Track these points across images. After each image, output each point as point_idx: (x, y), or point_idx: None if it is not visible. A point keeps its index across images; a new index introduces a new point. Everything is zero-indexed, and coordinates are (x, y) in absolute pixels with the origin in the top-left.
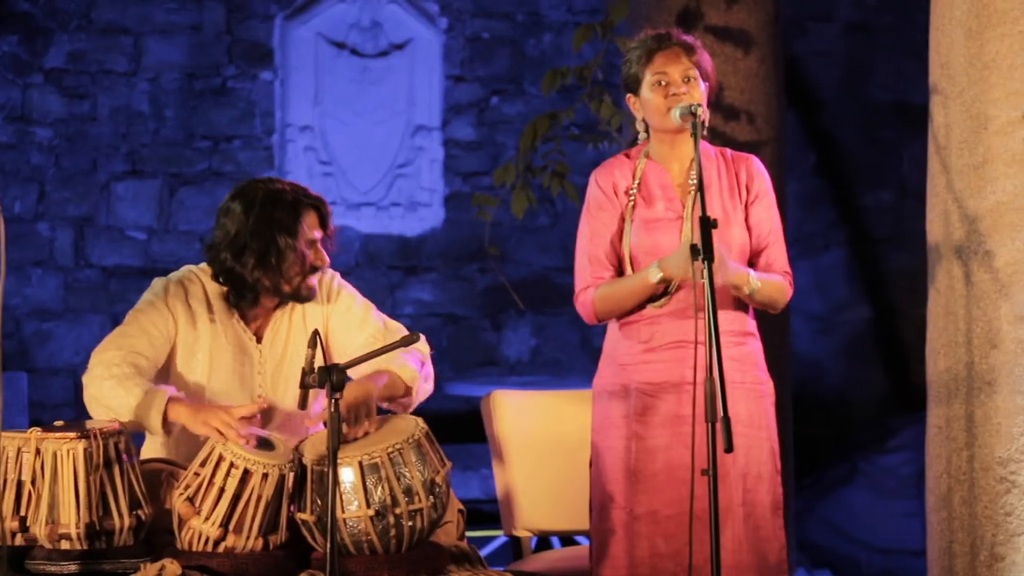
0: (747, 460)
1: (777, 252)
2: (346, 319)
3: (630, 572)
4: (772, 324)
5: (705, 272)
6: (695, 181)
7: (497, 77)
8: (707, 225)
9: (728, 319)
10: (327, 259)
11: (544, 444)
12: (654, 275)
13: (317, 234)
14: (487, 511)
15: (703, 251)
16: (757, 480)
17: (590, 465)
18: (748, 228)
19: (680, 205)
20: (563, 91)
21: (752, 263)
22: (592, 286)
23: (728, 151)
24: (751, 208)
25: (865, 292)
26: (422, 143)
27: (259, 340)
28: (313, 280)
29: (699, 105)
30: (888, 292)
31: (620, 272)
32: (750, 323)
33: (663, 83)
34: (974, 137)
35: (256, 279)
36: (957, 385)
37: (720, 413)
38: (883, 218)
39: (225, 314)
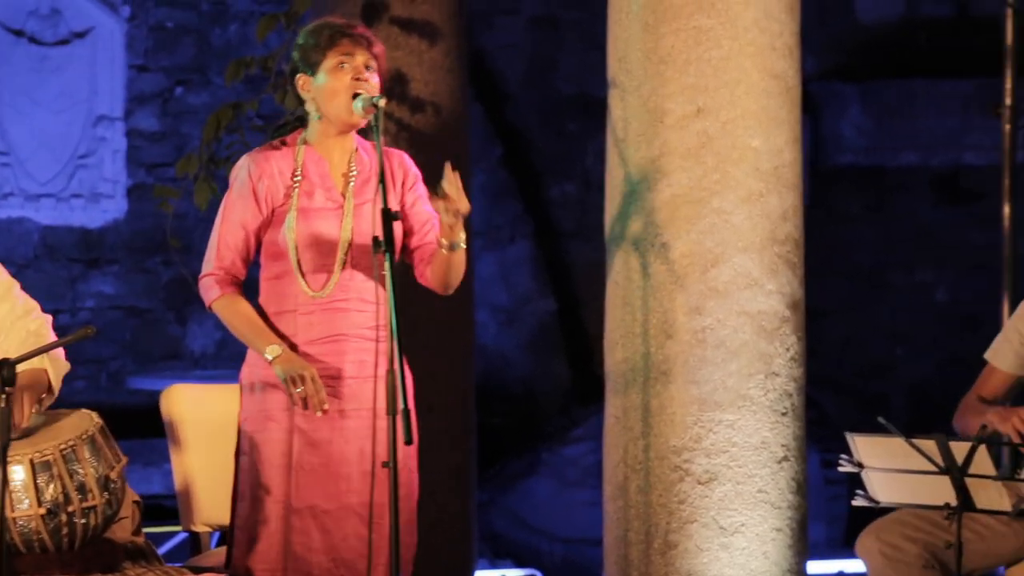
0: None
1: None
2: None
3: (283, 566)
4: (456, 315)
5: (387, 265)
6: (356, 172)
7: (182, 67)
8: (388, 217)
9: (377, 313)
10: None
11: (224, 438)
12: (269, 353)
13: None
14: (169, 507)
15: (384, 243)
16: (405, 471)
17: (236, 456)
18: (406, 216)
19: (340, 195)
20: (248, 81)
21: (413, 249)
22: (214, 276)
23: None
24: (408, 198)
25: (551, 284)
26: (104, 133)
27: None
28: None
29: (381, 96)
30: (573, 284)
31: (246, 262)
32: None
33: (346, 66)
34: (651, 130)
35: None
36: (634, 375)
37: (400, 406)
38: (568, 211)
39: None
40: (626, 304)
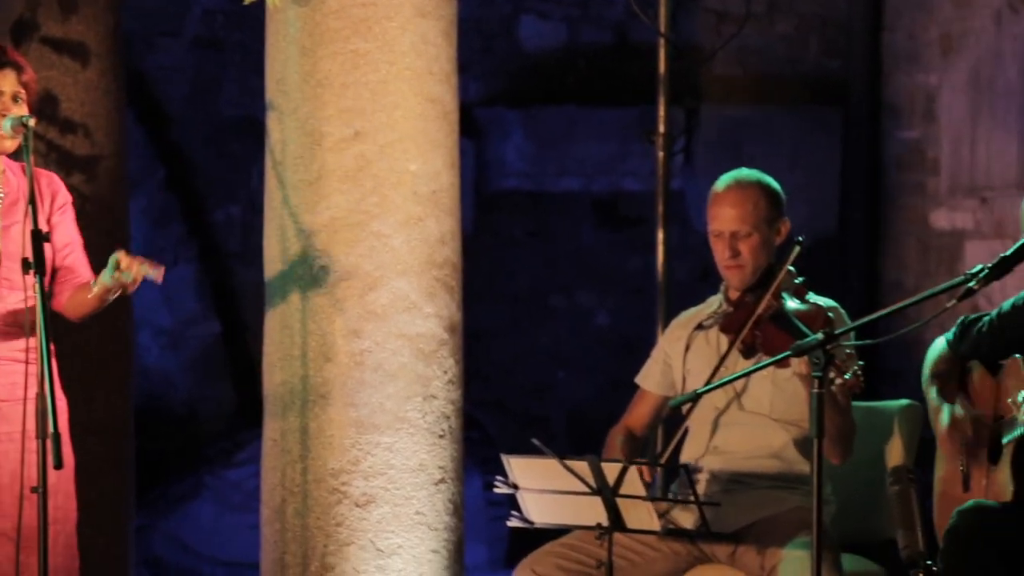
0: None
1: (81, 262)
2: None
3: None
4: (115, 338)
5: (37, 287)
6: (3, 193)
7: None
8: (38, 238)
9: (27, 335)
10: None
11: None
12: None
13: None
14: None
15: (35, 264)
16: (61, 495)
17: None
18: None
19: None
20: None
21: (55, 270)
22: None
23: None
24: (55, 219)
25: (215, 306)
26: None
27: None
28: None
29: (31, 116)
30: (238, 306)
31: None
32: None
33: None
34: (309, 153)
35: None
36: (293, 398)
37: (51, 430)
38: (233, 233)
39: None
40: (285, 327)
